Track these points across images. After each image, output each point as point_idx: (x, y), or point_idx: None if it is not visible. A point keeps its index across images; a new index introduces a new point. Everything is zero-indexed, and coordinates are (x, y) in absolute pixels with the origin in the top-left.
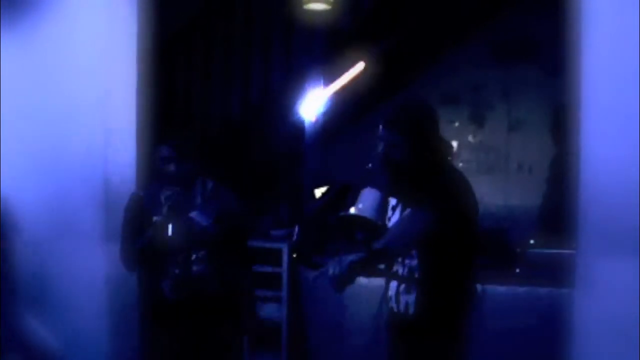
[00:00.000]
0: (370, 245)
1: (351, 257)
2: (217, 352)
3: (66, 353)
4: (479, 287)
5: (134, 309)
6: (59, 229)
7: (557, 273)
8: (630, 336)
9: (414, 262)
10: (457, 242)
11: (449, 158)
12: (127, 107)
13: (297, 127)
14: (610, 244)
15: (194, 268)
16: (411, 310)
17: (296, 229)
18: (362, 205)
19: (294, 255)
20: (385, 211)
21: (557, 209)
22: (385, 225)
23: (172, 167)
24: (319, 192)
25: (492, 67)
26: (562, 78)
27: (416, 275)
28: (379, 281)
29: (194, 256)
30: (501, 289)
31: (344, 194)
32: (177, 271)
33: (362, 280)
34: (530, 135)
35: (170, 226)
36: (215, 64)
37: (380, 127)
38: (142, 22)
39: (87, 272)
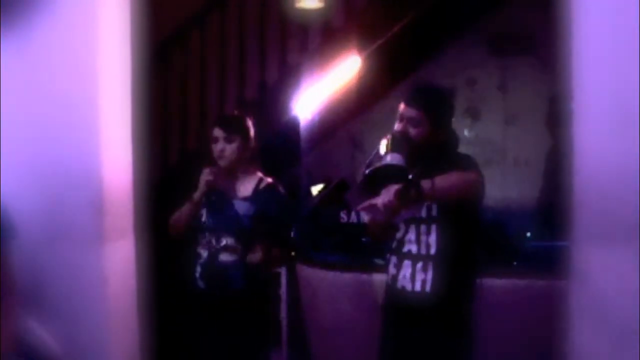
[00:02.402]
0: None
1: (397, 186)
2: (239, 347)
3: (66, 354)
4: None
5: (131, 311)
6: (56, 232)
7: (553, 265)
8: (624, 327)
9: (432, 238)
10: (473, 219)
11: (457, 147)
12: (122, 110)
13: (293, 125)
14: (605, 235)
15: (222, 257)
16: (427, 288)
17: (294, 226)
18: (391, 158)
19: (293, 253)
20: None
21: (553, 202)
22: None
23: (219, 146)
24: (315, 189)
25: (487, 60)
26: (557, 71)
27: (432, 252)
28: (377, 277)
29: (223, 242)
30: (498, 281)
31: (341, 190)
32: (205, 255)
33: (362, 276)
34: (526, 129)
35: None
36: (210, 63)
37: (402, 104)
38: (137, 22)
39: (84, 275)
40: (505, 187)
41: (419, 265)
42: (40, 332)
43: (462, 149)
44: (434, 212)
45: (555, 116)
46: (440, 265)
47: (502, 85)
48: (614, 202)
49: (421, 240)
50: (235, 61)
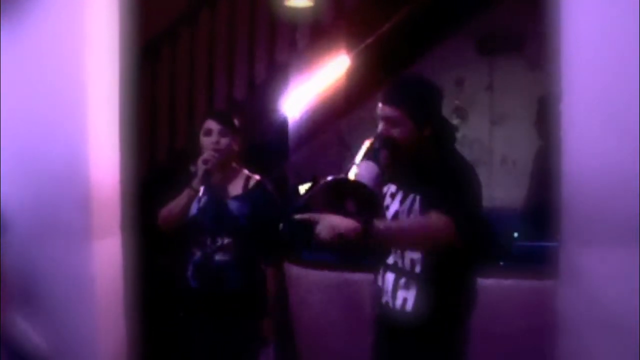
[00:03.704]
0: (369, 220)
1: (342, 227)
2: (233, 346)
3: (54, 352)
4: None
5: (119, 309)
6: (43, 229)
7: (541, 265)
8: (614, 326)
9: (417, 255)
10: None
11: (453, 141)
12: (111, 107)
13: (281, 124)
14: (593, 235)
15: (217, 257)
16: (409, 307)
17: (281, 225)
18: (359, 172)
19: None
20: (381, 187)
21: (541, 202)
22: (380, 199)
23: (213, 139)
24: (303, 188)
25: (476, 60)
26: (546, 71)
27: (417, 270)
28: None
29: (219, 242)
30: (486, 282)
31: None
32: (199, 255)
33: (350, 275)
34: (514, 129)
35: (200, 201)
36: (199, 61)
37: (379, 104)
38: (125, 20)
39: (72, 272)
40: (492, 187)
41: (402, 281)
42: (27, 329)
43: None
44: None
45: (543, 116)
46: (424, 286)
47: (490, 85)
48: (602, 202)
49: (405, 255)
50: (224, 60)
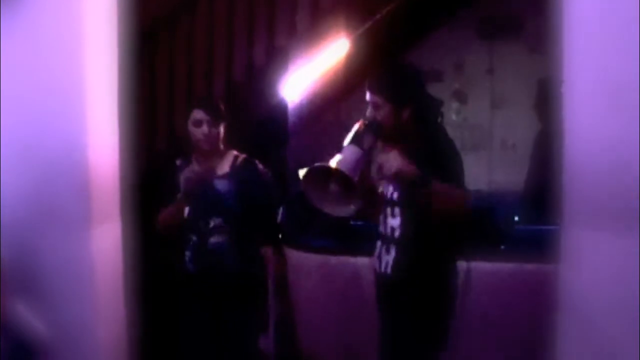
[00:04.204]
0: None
1: (403, 165)
2: (233, 329)
3: (53, 339)
4: (464, 264)
5: (118, 295)
6: (42, 216)
7: (541, 249)
8: (615, 310)
9: (396, 222)
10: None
11: (439, 119)
12: (110, 93)
13: (281, 108)
14: (595, 219)
15: (212, 240)
16: (389, 270)
17: (281, 209)
18: (342, 157)
19: (280, 236)
20: (365, 169)
21: (542, 186)
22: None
23: (204, 129)
24: (302, 172)
25: (476, 44)
26: (545, 54)
27: (396, 235)
28: (364, 261)
29: (212, 224)
30: (486, 265)
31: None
32: (195, 239)
33: (349, 259)
34: (514, 112)
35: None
36: (198, 46)
37: (367, 91)
38: (124, 5)
39: (71, 259)
40: (493, 171)
41: (384, 247)
42: (27, 316)
43: (450, 132)
44: (395, 197)
45: (544, 99)
46: (402, 249)
47: (491, 69)
48: (603, 184)
49: (387, 223)
50: (223, 44)
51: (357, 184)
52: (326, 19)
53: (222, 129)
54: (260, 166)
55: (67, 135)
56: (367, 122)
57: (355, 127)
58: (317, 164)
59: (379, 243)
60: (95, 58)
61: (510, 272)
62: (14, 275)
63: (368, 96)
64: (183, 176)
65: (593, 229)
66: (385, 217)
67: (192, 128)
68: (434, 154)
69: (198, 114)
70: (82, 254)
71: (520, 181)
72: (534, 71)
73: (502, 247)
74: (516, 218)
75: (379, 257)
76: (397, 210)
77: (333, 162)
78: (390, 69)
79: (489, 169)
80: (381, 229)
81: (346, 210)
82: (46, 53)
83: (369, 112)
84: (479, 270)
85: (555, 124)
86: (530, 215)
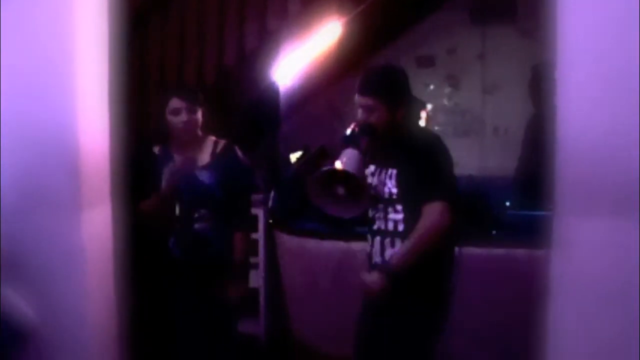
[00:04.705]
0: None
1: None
2: (217, 313)
3: (43, 323)
4: (456, 249)
5: (109, 278)
6: (32, 198)
7: (533, 234)
8: (607, 296)
9: (399, 216)
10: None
11: (419, 118)
12: (100, 75)
13: (272, 92)
14: (587, 205)
15: (196, 226)
16: None
17: (272, 194)
18: (345, 160)
19: (270, 221)
20: (364, 170)
21: (533, 171)
22: (365, 182)
23: (183, 117)
24: (294, 157)
25: (468, 28)
26: (538, 40)
27: (400, 229)
28: (355, 245)
29: (195, 214)
30: (477, 251)
31: (321, 158)
32: (179, 226)
33: (340, 244)
34: (506, 98)
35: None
36: (189, 28)
37: (356, 94)
38: None
39: (61, 242)
40: (484, 156)
41: (387, 240)
42: (15, 300)
43: (442, 117)
44: (395, 194)
45: (537, 85)
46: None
47: (483, 54)
48: (596, 170)
49: (388, 218)
50: (214, 27)
51: (365, 184)
52: (318, 3)
53: (200, 116)
54: (240, 152)
55: (58, 119)
56: (360, 125)
57: (348, 131)
58: (323, 169)
59: (377, 239)
60: (85, 42)
61: (501, 257)
62: (4, 259)
63: (359, 99)
64: (167, 171)
65: (585, 215)
66: (386, 214)
67: (170, 117)
68: (420, 154)
69: (176, 103)
70: (72, 238)
71: (512, 167)
72: (526, 56)
73: (494, 232)
74: (507, 203)
75: (382, 252)
76: (398, 206)
77: (338, 165)
78: (382, 71)
79: (480, 155)
80: (379, 225)
81: (356, 210)
82: (36, 38)
83: (360, 114)
84: (469, 255)
85: (547, 110)
86: (522, 201)
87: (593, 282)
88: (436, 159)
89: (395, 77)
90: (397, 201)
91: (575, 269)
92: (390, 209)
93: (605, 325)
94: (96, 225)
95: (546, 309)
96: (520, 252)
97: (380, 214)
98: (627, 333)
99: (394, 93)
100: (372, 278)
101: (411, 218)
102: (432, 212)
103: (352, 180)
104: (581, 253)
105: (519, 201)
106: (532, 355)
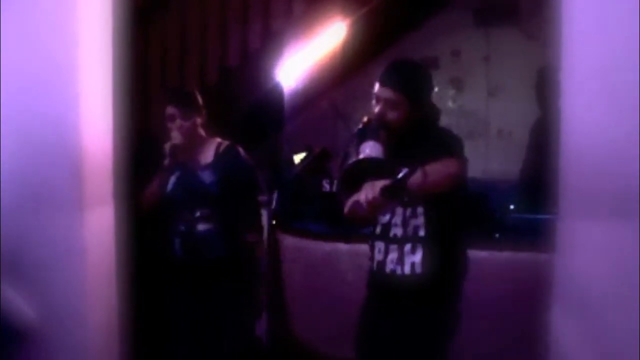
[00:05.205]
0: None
1: (382, 182)
2: (220, 314)
3: (44, 322)
4: None
5: (110, 279)
6: (33, 198)
7: (536, 238)
8: (610, 300)
9: (419, 221)
10: (456, 200)
11: (438, 120)
12: (103, 74)
13: (275, 92)
14: (590, 208)
15: (199, 227)
16: (418, 270)
17: (275, 195)
18: (368, 153)
19: (273, 222)
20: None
21: (537, 174)
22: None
23: (177, 124)
24: (297, 158)
25: (472, 30)
26: (542, 42)
27: (421, 234)
28: (358, 247)
29: (197, 213)
30: (481, 254)
31: (323, 159)
32: (183, 228)
33: (340, 246)
34: (511, 100)
35: (174, 178)
36: (192, 27)
37: (377, 85)
38: None
39: (63, 242)
40: (488, 159)
41: (407, 247)
42: (16, 299)
43: (446, 120)
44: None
45: (541, 87)
46: (428, 247)
47: (487, 56)
48: (600, 174)
49: (408, 224)
50: (217, 26)
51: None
52: (322, 3)
53: (198, 119)
54: (243, 152)
55: (60, 119)
56: (378, 119)
57: (360, 125)
58: (349, 162)
59: (393, 247)
60: (88, 40)
61: (504, 260)
62: (5, 258)
63: (380, 91)
64: (168, 145)
65: (589, 219)
66: (405, 219)
67: (167, 124)
68: (446, 140)
69: (169, 110)
70: (74, 237)
71: (516, 169)
72: (531, 58)
73: (497, 235)
74: (511, 206)
75: (400, 260)
76: (419, 209)
77: (364, 153)
78: (409, 65)
79: (484, 157)
80: (395, 232)
81: (390, 207)
82: (38, 35)
83: (380, 108)
84: (473, 258)
85: (552, 112)
86: (526, 204)
87: (597, 286)
88: (459, 144)
89: (423, 72)
90: (417, 204)
91: (579, 272)
92: (409, 213)
93: (608, 328)
94: (98, 226)
95: (549, 312)
96: (523, 255)
97: (397, 219)
98: (631, 337)
99: (421, 88)
100: (373, 190)
101: (433, 223)
102: (450, 161)
103: (382, 168)
104: (585, 256)
105: (523, 204)
106: (536, 358)
